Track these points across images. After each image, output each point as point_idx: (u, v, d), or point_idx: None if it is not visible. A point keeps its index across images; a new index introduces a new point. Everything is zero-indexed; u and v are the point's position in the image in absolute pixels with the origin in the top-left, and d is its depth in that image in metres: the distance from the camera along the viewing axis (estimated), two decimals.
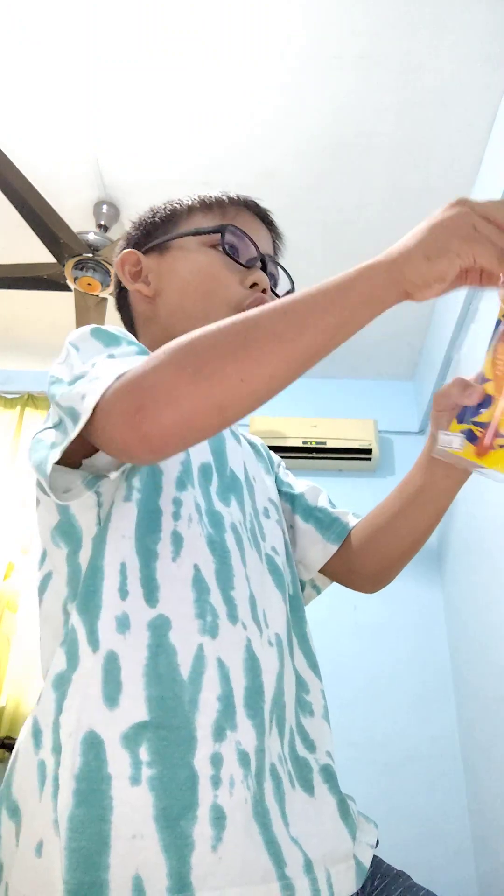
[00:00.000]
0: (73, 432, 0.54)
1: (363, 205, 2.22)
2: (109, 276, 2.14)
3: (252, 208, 0.83)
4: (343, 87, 1.88)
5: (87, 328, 0.67)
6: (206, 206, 0.81)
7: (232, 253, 0.78)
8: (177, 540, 0.63)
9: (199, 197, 0.82)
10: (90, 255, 2.09)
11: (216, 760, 0.54)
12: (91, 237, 2.15)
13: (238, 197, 0.82)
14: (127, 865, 0.50)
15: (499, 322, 0.59)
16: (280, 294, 0.82)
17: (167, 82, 1.89)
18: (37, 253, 2.13)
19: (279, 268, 0.84)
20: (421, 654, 2.35)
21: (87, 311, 2.27)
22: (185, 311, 0.78)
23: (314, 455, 2.65)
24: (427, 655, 2.35)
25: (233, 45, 1.80)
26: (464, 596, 2.22)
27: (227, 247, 0.77)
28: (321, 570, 0.86)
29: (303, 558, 0.85)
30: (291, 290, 0.84)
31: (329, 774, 0.65)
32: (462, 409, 0.57)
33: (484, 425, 0.54)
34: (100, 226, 2.25)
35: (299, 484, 0.90)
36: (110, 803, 0.51)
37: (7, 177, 1.87)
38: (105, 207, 2.25)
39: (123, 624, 0.57)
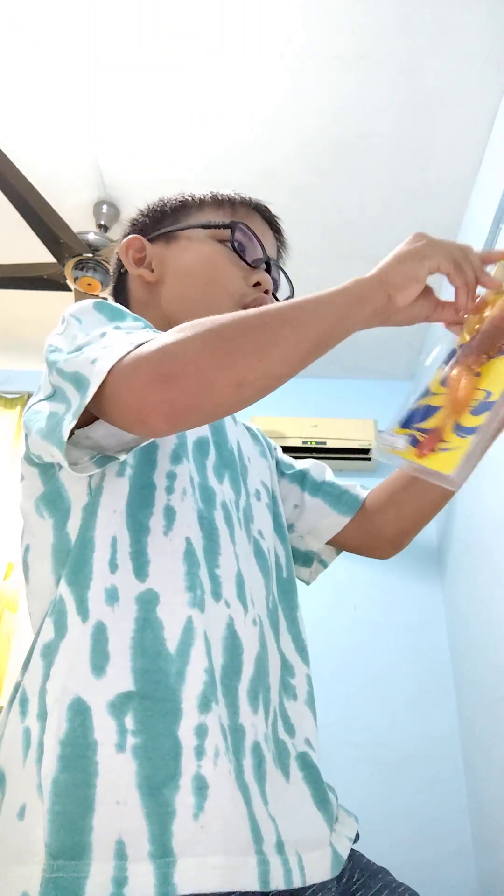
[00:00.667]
0: (87, 396, 0.54)
1: (363, 205, 2.22)
2: (110, 277, 2.14)
3: (261, 212, 0.84)
4: (343, 87, 1.88)
5: (88, 301, 0.67)
6: (218, 202, 0.82)
7: (240, 250, 0.79)
8: (169, 514, 0.64)
9: (211, 193, 0.83)
10: (90, 255, 2.09)
11: (201, 731, 0.55)
12: (91, 237, 2.15)
13: (249, 199, 0.84)
14: (110, 830, 0.50)
15: (454, 351, 0.66)
16: (280, 298, 0.83)
17: (167, 82, 1.89)
18: (37, 253, 2.13)
19: (281, 273, 0.86)
20: (421, 653, 2.35)
21: None
22: (187, 299, 0.79)
23: (314, 455, 2.65)
24: (427, 655, 2.36)
25: (233, 45, 1.80)
26: (464, 595, 2.22)
27: (235, 243, 0.79)
28: (332, 543, 0.88)
29: (312, 529, 0.86)
30: (291, 296, 0.85)
31: (305, 763, 0.65)
32: (408, 415, 0.63)
33: (428, 431, 0.60)
34: (100, 226, 2.25)
35: (301, 463, 0.91)
36: (95, 769, 0.52)
37: (7, 177, 1.87)
38: (105, 207, 2.25)
39: (112, 596, 0.58)
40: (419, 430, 0.61)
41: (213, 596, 0.62)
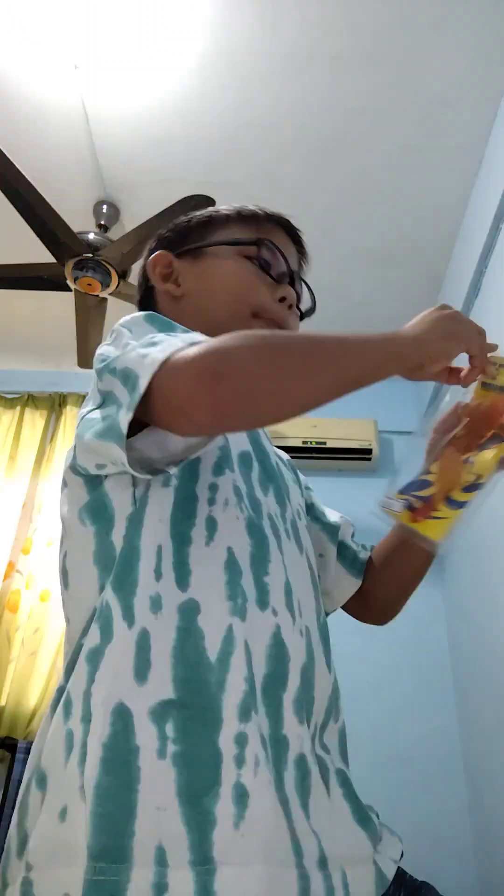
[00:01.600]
0: (140, 388, 0.55)
1: (363, 204, 2.22)
2: (109, 277, 2.14)
3: (285, 227, 0.86)
4: (343, 86, 1.88)
5: (140, 314, 0.69)
6: (243, 218, 0.84)
7: (265, 266, 0.81)
8: (211, 524, 0.64)
9: (236, 208, 0.85)
10: (90, 255, 2.09)
11: (241, 740, 0.55)
12: (91, 237, 2.14)
13: (273, 214, 0.85)
14: (151, 835, 0.50)
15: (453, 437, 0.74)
16: (302, 310, 0.86)
17: (167, 82, 1.89)
18: (37, 253, 2.13)
19: (305, 286, 0.88)
20: (421, 652, 2.35)
21: (87, 311, 2.28)
22: (210, 313, 0.80)
23: (314, 455, 2.65)
24: (427, 654, 2.36)
25: (232, 45, 1.80)
26: (464, 594, 2.22)
27: (261, 260, 0.80)
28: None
29: (331, 590, 0.87)
30: (313, 309, 0.89)
31: (344, 779, 0.65)
32: (407, 483, 0.71)
33: (424, 499, 0.69)
34: (100, 226, 2.25)
35: (332, 513, 0.92)
36: (138, 774, 0.52)
37: (7, 177, 1.87)
38: (105, 207, 2.25)
39: (157, 604, 0.59)
40: (415, 496, 0.69)
41: (259, 604, 0.62)
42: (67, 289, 2.22)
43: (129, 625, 0.58)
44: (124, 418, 0.56)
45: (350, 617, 0.93)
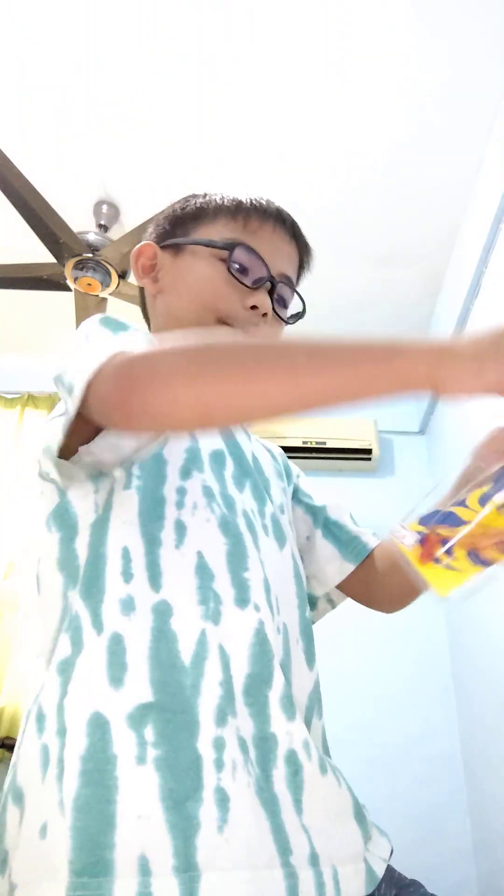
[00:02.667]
0: (75, 402, 0.57)
1: (363, 204, 2.22)
2: (109, 277, 2.14)
3: (280, 221, 0.81)
4: (343, 86, 1.88)
5: (96, 317, 0.68)
6: (232, 212, 0.80)
7: (239, 272, 0.76)
8: (180, 528, 0.64)
9: (228, 200, 0.81)
10: (90, 255, 2.09)
11: (218, 744, 0.55)
12: (91, 237, 2.15)
13: (267, 207, 0.81)
14: (132, 845, 0.50)
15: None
16: (287, 318, 0.82)
17: (167, 82, 1.89)
18: (37, 253, 2.13)
19: (293, 291, 0.83)
20: (421, 653, 2.35)
21: (87, 311, 2.27)
22: (178, 316, 0.78)
23: (314, 455, 2.65)
24: (427, 655, 2.35)
25: (231, 45, 1.80)
26: None
27: (233, 265, 0.76)
28: (339, 587, 0.86)
29: (318, 573, 0.85)
30: (302, 314, 0.84)
31: (339, 774, 0.64)
32: (430, 513, 0.57)
33: (443, 540, 0.54)
34: (100, 226, 2.25)
35: (320, 496, 0.89)
36: (116, 783, 0.52)
37: (7, 177, 1.87)
38: (105, 207, 2.25)
39: (128, 606, 0.58)
40: (435, 532, 0.55)
41: (239, 602, 0.61)
42: (67, 289, 2.22)
43: (98, 632, 0.57)
44: (57, 436, 0.58)
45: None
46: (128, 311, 2.35)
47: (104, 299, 2.26)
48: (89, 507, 0.64)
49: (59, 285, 2.22)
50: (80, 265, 2.11)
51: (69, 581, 0.62)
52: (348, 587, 0.86)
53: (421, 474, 2.74)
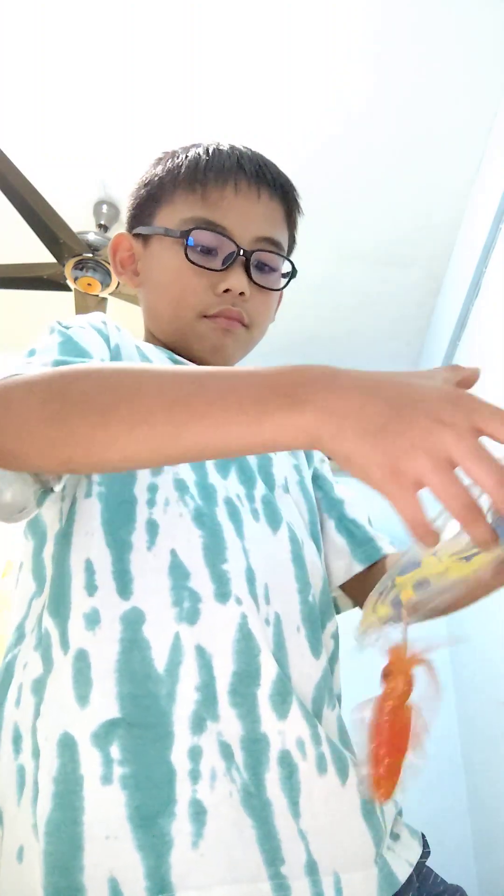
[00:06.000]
0: None
1: (362, 204, 2.22)
2: (109, 277, 2.14)
3: (242, 176, 0.74)
4: (343, 86, 1.88)
5: (47, 326, 0.66)
6: (189, 183, 0.73)
7: (202, 257, 0.71)
8: (152, 528, 0.60)
9: (185, 167, 0.74)
10: (90, 255, 2.10)
11: (195, 754, 0.52)
12: (91, 237, 2.15)
13: (225, 164, 0.74)
14: (101, 867, 0.48)
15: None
16: (269, 286, 0.75)
17: (166, 82, 1.89)
18: (37, 253, 2.13)
19: (276, 251, 0.76)
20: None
21: (86, 311, 2.27)
22: (159, 314, 0.76)
23: None
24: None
25: (231, 44, 1.80)
26: None
27: (193, 254, 0.71)
28: (345, 590, 0.79)
29: (329, 564, 0.78)
30: (293, 274, 0.78)
31: (347, 769, 0.59)
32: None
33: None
34: (100, 226, 2.25)
35: (342, 489, 0.83)
36: (82, 804, 0.50)
37: (7, 177, 1.87)
38: (105, 207, 2.25)
39: (93, 620, 0.55)
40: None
41: (219, 597, 0.57)
42: (67, 289, 2.22)
43: (65, 651, 0.54)
44: None
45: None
46: (128, 311, 2.35)
47: (104, 299, 2.26)
48: (55, 516, 0.62)
49: (59, 285, 2.22)
50: (80, 265, 2.11)
51: (38, 589, 0.61)
52: (355, 593, 0.79)
53: None
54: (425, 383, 0.42)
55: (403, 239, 2.34)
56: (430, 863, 0.65)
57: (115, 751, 0.51)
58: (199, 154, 0.75)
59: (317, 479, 0.82)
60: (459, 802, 2.10)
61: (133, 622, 0.55)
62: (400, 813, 0.65)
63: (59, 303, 2.39)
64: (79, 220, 2.17)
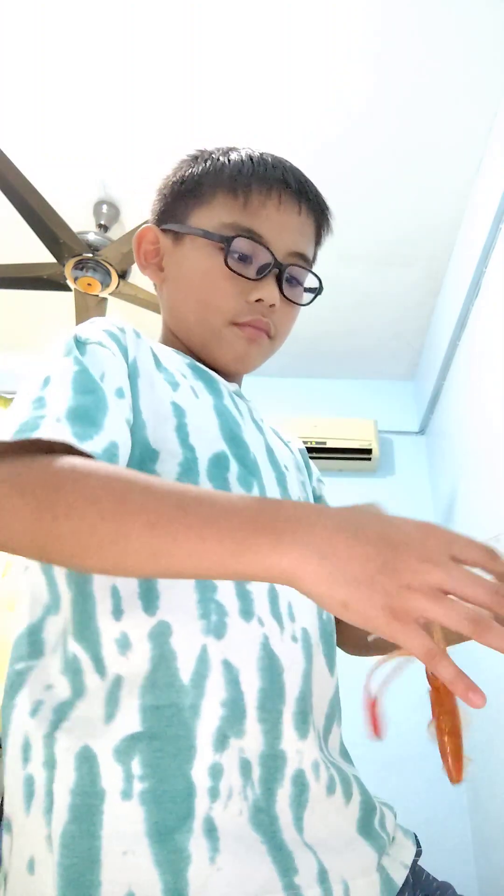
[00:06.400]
0: None
1: (362, 204, 2.22)
2: (109, 277, 2.14)
3: (285, 188, 0.73)
4: (343, 86, 1.88)
5: (72, 332, 0.65)
6: (231, 187, 0.73)
7: (239, 264, 0.71)
8: None
9: (227, 170, 0.73)
10: (90, 255, 2.09)
11: (215, 772, 0.52)
12: (91, 237, 2.15)
13: (271, 174, 0.73)
14: (118, 882, 0.48)
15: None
16: (297, 300, 0.77)
17: (166, 82, 1.89)
18: (37, 253, 2.13)
19: (307, 267, 0.77)
20: None
21: (86, 311, 2.27)
22: (183, 315, 0.76)
23: (314, 455, 2.64)
24: None
25: (231, 45, 1.80)
26: None
27: (232, 260, 0.71)
28: None
29: None
30: (320, 291, 0.79)
31: (349, 785, 0.62)
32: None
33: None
34: (100, 226, 2.25)
35: None
36: (101, 819, 0.49)
37: (7, 177, 1.87)
38: (105, 207, 2.25)
39: (124, 645, 0.55)
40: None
41: (243, 615, 0.57)
42: (67, 289, 2.22)
43: (101, 676, 0.54)
44: None
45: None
46: (128, 311, 2.35)
47: (104, 299, 2.26)
48: None
49: (59, 285, 2.22)
50: (80, 265, 2.11)
51: (53, 605, 0.60)
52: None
53: (421, 474, 2.74)
54: (400, 522, 0.44)
55: (403, 239, 2.34)
56: (430, 863, 0.67)
57: (136, 766, 0.51)
58: (242, 161, 0.74)
59: (318, 499, 0.84)
60: (459, 802, 2.10)
61: (160, 635, 0.55)
62: (395, 816, 0.66)
63: (59, 303, 2.39)
64: (79, 220, 2.17)
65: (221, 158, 0.75)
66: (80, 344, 0.63)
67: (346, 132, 2.00)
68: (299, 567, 0.42)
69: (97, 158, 2.11)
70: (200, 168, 0.76)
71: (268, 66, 1.84)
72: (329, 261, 2.36)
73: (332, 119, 1.97)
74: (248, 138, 2.03)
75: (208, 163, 0.76)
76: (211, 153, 0.77)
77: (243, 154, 0.76)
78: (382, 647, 0.72)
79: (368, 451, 2.65)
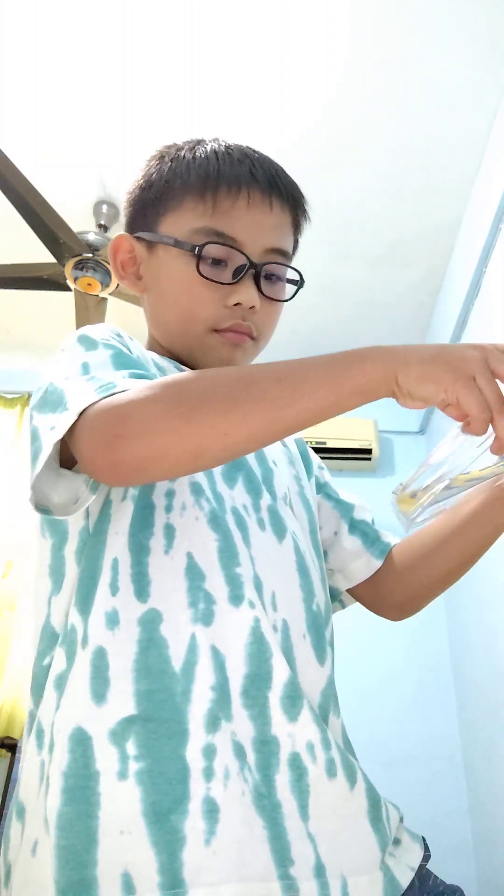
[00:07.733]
0: (38, 466, 0.55)
1: (363, 204, 2.22)
2: (109, 277, 2.14)
3: (254, 184, 0.73)
4: (343, 86, 1.88)
5: (74, 335, 0.66)
6: (199, 189, 0.72)
7: (213, 272, 0.70)
8: (169, 532, 0.61)
9: (194, 172, 0.72)
10: (90, 255, 2.10)
11: (209, 752, 0.53)
12: (91, 237, 2.15)
13: (237, 171, 0.72)
14: (115, 862, 0.49)
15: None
16: (277, 296, 0.76)
17: (166, 82, 1.89)
18: (37, 253, 2.13)
19: (285, 262, 0.76)
20: (421, 652, 2.36)
21: (86, 311, 2.28)
22: (166, 324, 0.75)
23: None
24: (427, 654, 2.36)
25: (231, 45, 1.80)
26: (464, 594, 2.22)
27: (205, 267, 0.70)
28: (352, 590, 0.83)
29: (343, 569, 0.82)
30: (301, 284, 0.78)
31: (354, 774, 0.60)
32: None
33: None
34: (100, 226, 2.26)
35: (347, 494, 0.87)
36: (98, 799, 0.50)
37: (7, 177, 1.87)
38: (105, 207, 2.25)
39: (113, 620, 0.56)
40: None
41: (233, 600, 0.59)
42: (67, 289, 2.22)
43: (83, 646, 0.56)
44: (32, 482, 0.56)
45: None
46: (127, 311, 2.35)
47: (104, 299, 2.26)
48: (80, 513, 0.62)
49: (59, 285, 2.22)
50: (80, 265, 2.11)
51: (55, 587, 0.62)
52: (359, 591, 0.83)
53: None
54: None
55: (403, 239, 2.34)
56: (430, 863, 0.66)
57: (130, 747, 0.52)
58: (207, 158, 0.73)
59: (322, 486, 0.85)
60: (459, 802, 2.10)
61: (150, 622, 0.57)
62: (401, 819, 0.65)
63: (59, 303, 2.39)
64: (79, 220, 2.17)
65: (187, 156, 0.75)
66: (97, 340, 0.65)
67: (346, 132, 2.00)
68: (388, 372, 0.53)
69: (97, 158, 2.11)
70: (167, 168, 0.75)
71: (267, 66, 1.84)
72: (329, 261, 2.37)
73: (332, 119, 1.97)
74: (248, 138, 2.02)
75: (174, 163, 0.75)
76: (177, 150, 0.77)
77: (209, 149, 0.75)
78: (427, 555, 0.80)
79: (368, 451, 2.65)
